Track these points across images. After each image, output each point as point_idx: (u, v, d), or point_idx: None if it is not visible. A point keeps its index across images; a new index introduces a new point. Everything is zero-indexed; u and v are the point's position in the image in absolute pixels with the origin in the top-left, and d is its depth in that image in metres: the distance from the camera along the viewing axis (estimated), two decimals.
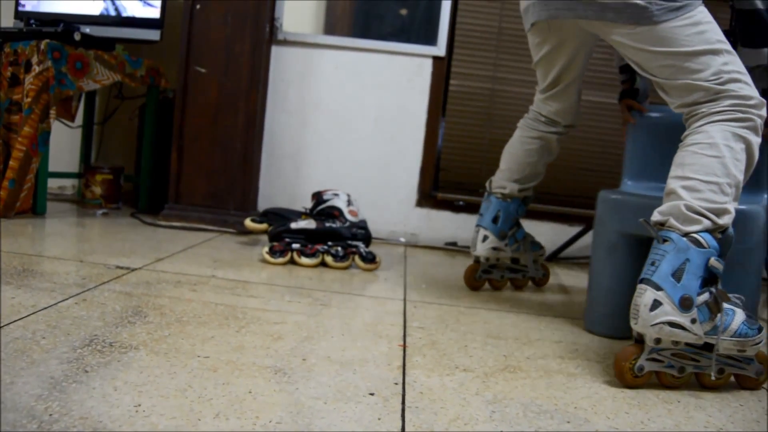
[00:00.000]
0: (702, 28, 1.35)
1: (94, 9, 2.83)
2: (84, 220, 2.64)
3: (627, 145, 1.77)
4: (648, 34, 1.38)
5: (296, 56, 2.92)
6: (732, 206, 1.29)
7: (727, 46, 1.36)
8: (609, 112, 2.86)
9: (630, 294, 1.29)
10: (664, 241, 1.26)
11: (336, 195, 2.31)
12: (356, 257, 2.17)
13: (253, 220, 2.33)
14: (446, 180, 2.99)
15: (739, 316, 1.26)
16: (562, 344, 1.52)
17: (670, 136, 1.43)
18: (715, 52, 1.34)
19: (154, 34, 2.78)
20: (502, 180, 2.00)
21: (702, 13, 1.36)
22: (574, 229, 2.83)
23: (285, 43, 2.91)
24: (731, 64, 1.34)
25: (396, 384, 1.13)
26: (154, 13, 2.77)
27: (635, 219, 1.40)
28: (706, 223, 1.25)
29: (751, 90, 1.33)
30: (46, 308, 1.35)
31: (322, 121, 2.96)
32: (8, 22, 3.08)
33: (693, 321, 1.22)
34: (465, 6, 2.87)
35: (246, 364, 1.15)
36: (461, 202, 2.95)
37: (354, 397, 1.05)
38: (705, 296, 1.24)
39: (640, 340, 1.26)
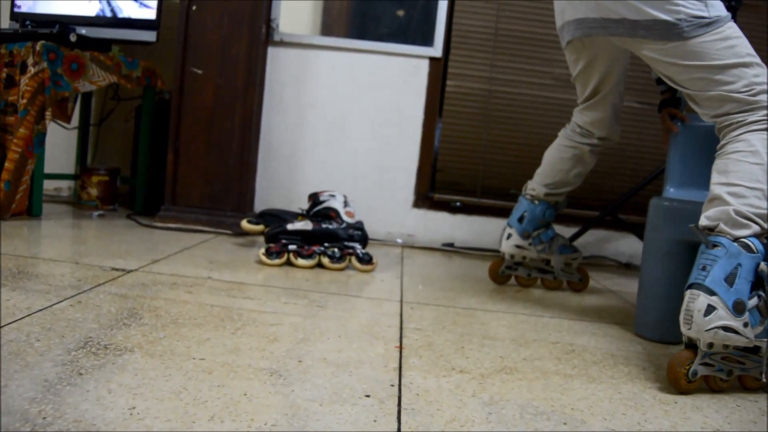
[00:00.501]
0: (732, 42, 1.39)
1: (90, 10, 2.82)
2: (80, 222, 2.63)
3: (669, 154, 1.79)
4: (679, 49, 1.42)
5: (292, 57, 2.92)
6: None
7: (758, 60, 1.39)
8: None
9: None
10: (714, 246, 1.27)
11: (333, 196, 2.30)
12: (353, 258, 2.16)
13: (249, 222, 2.32)
14: (443, 181, 2.98)
15: None
16: (559, 345, 1.52)
17: (712, 144, 1.46)
18: (746, 65, 1.38)
19: (150, 36, 2.77)
20: (534, 183, 2.11)
21: (731, 29, 1.40)
22: (571, 230, 2.83)
23: (281, 44, 2.90)
24: (762, 76, 1.38)
25: (392, 386, 1.13)
26: (150, 14, 2.77)
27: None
28: (755, 228, 1.28)
29: None
30: (40, 310, 1.34)
31: (318, 122, 2.95)
32: (4, 23, 3.07)
33: (745, 325, 1.24)
34: (461, 7, 2.87)
35: (241, 366, 1.14)
36: (458, 203, 2.94)
37: (350, 399, 1.05)
38: (755, 300, 1.26)
39: (691, 345, 1.27)
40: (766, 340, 1.27)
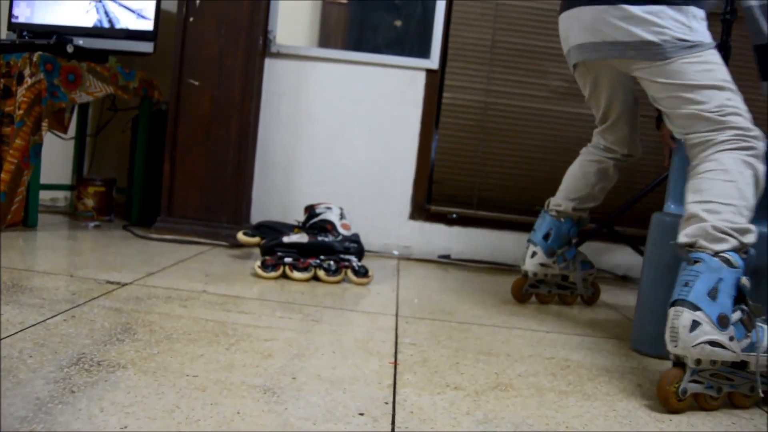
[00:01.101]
0: (710, 67, 1.47)
1: (88, 21, 2.83)
2: (75, 233, 2.63)
3: (671, 170, 1.81)
4: (661, 68, 1.51)
5: (289, 69, 2.92)
6: (752, 226, 1.35)
7: (732, 86, 1.46)
8: None
9: None
10: (695, 261, 1.30)
11: (329, 208, 2.30)
12: (349, 271, 2.16)
13: (245, 234, 2.32)
14: (439, 193, 2.98)
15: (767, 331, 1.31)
16: (554, 361, 1.51)
17: None
18: (719, 88, 1.45)
19: (147, 47, 2.77)
20: (559, 198, 2.12)
21: (712, 55, 1.48)
22: None
23: (278, 55, 2.91)
24: (734, 100, 1.45)
25: (386, 403, 1.13)
26: (148, 25, 2.77)
27: None
28: (733, 242, 1.31)
29: (750, 123, 1.43)
30: (34, 325, 1.33)
31: (315, 133, 2.95)
32: (1, 33, 3.07)
33: (731, 339, 1.25)
34: (458, 19, 2.88)
35: (235, 383, 1.14)
36: (454, 215, 2.94)
37: (343, 418, 1.04)
38: (738, 314, 1.28)
39: (679, 363, 1.27)
40: (753, 354, 1.28)
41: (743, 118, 1.43)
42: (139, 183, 2.97)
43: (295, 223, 2.35)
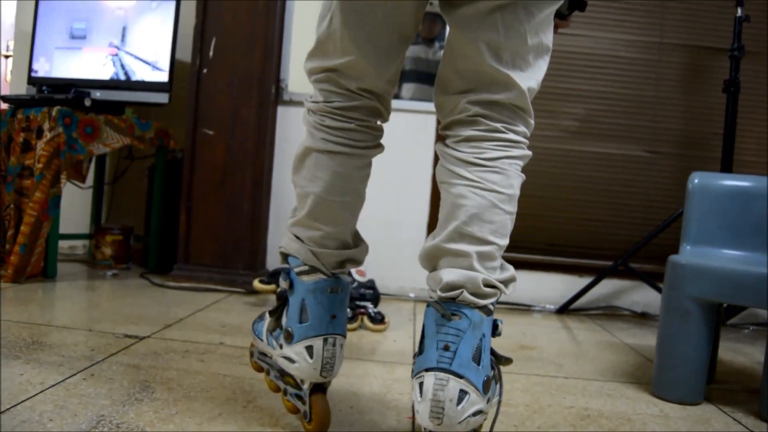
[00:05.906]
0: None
1: (105, 73, 2.90)
2: (94, 283, 2.65)
3: (688, 211, 1.79)
4: None
5: (302, 116, 2.95)
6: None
7: None
8: (617, 162, 2.87)
9: (704, 359, 1.47)
10: (453, 315, 1.01)
11: None
12: (365, 318, 2.16)
13: (261, 281, 2.33)
14: None
15: None
16: (574, 410, 1.49)
17: (729, 202, 1.46)
18: None
19: (162, 98, 2.83)
20: None
21: None
22: (585, 281, 2.82)
23: (291, 103, 2.96)
24: None
25: None
26: (163, 77, 2.84)
27: (710, 285, 1.53)
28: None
29: None
30: (53, 386, 1.34)
31: None
32: (21, 87, 3.15)
33: (488, 401, 1.02)
34: None
35: None
36: None
37: None
38: (494, 371, 1.08)
39: None
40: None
41: None
42: (155, 231, 3.00)
43: None
